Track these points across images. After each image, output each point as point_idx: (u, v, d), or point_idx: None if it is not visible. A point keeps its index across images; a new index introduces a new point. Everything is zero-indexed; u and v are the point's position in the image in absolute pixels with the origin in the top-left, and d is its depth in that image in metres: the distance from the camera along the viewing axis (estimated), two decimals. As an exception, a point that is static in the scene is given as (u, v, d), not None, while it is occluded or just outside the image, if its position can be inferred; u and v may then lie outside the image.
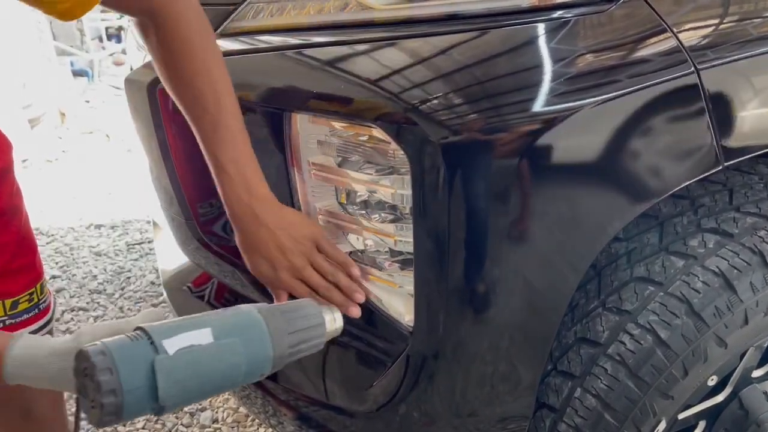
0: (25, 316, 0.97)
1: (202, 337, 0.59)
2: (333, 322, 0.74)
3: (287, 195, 0.89)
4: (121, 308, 2.24)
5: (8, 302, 0.94)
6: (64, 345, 0.63)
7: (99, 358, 0.54)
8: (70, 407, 1.45)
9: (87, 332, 0.66)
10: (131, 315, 2.16)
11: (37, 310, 0.99)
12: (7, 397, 1.03)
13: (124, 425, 1.72)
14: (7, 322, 0.95)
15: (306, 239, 0.81)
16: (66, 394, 1.22)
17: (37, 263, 1.01)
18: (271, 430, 1.61)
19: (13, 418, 1.05)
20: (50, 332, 1.04)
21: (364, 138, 0.80)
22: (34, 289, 0.98)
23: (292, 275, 0.81)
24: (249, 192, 0.77)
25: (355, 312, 0.83)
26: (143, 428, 1.71)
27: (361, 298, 0.83)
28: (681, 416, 0.97)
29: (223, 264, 1.04)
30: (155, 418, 1.74)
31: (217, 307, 1.11)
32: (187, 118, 0.80)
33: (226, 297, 1.13)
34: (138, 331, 0.58)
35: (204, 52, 0.77)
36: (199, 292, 1.18)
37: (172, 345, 0.57)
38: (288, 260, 0.79)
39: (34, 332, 0.98)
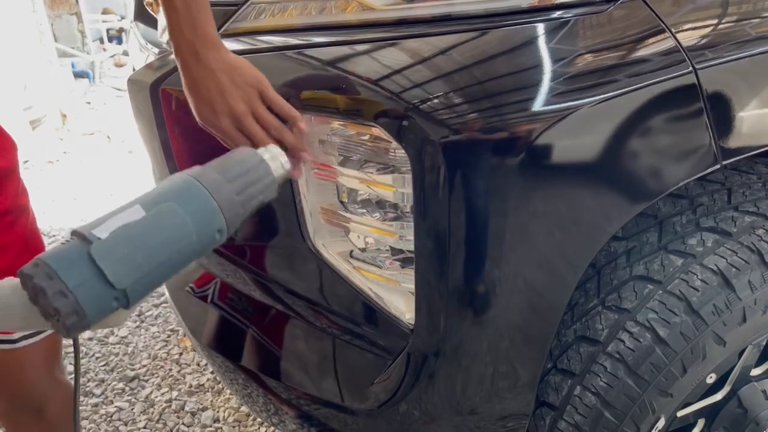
0: None
1: (133, 214, 0.57)
2: (275, 158, 0.70)
3: (289, 194, 0.89)
4: (122, 309, 2.24)
5: None
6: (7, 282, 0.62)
7: (34, 270, 0.52)
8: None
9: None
10: (131, 316, 2.17)
11: None
12: (19, 396, 1.03)
13: (126, 425, 1.72)
14: None
15: (248, 85, 0.78)
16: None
17: None
18: (272, 428, 1.61)
19: (26, 417, 1.06)
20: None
21: (366, 137, 0.81)
22: None
23: (233, 123, 0.78)
24: (194, 29, 0.76)
25: (298, 175, 0.80)
26: (144, 427, 1.71)
27: (309, 158, 0.80)
28: (680, 414, 0.97)
29: (226, 263, 1.05)
30: (156, 418, 1.74)
31: (219, 307, 1.12)
32: None
33: (230, 297, 1.13)
34: (70, 236, 0.56)
35: None
36: (202, 293, 1.18)
37: (103, 231, 0.55)
38: (228, 104, 0.77)
39: (42, 330, 0.99)
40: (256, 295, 1.04)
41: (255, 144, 0.77)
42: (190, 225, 0.59)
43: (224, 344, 1.09)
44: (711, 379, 0.95)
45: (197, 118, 0.80)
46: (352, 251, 0.89)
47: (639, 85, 0.77)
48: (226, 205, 0.62)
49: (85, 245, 0.54)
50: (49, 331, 1.00)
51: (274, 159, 0.70)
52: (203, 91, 0.77)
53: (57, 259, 0.53)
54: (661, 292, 0.90)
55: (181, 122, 0.97)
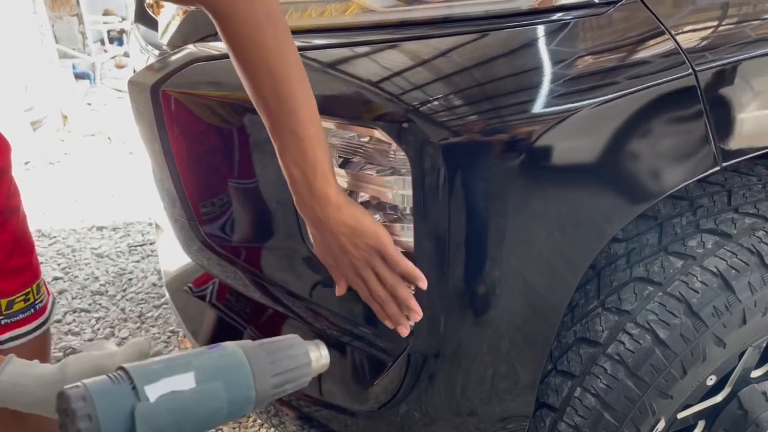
0: (21, 316, 0.98)
1: (185, 382, 0.60)
2: (319, 359, 0.72)
3: (288, 195, 0.89)
4: (122, 309, 2.24)
5: (4, 302, 0.95)
6: (50, 376, 0.65)
7: (80, 404, 0.55)
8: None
9: (72, 362, 0.68)
10: (132, 317, 2.17)
11: (33, 310, 1.00)
12: None
13: (126, 426, 1.72)
14: (3, 322, 0.96)
15: (369, 247, 0.79)
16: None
17: (34, 263, 1.02)
18: (272, 430, 1.61)
19: (6, 417, 1.05)
20: (47, 332, 1.05)
21: (365, 139, 0.81)
22: (30, 289, 0.99)
23: (354, 274, 0.81)
24: (311, 192, 0.76)
25: (404, 332, 0.82)
26: (145, 429, 1.71)
27: (416, 317, 0.81)
28: (680, 416, 0.97)
29: (226, 264, 1.05)
30: (157, 419, 1.74)
31: (219, 309, 1.12)
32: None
33: (228, 298, 1.13)
34: (121, 372, 0.58)
35: (261, 48, 0.72)
36: (200, 292, 1.19)
37: (153, 391, 0.57)
38: (349, 261, 0.80)
39: (30, 332, 1.00)
40: (256, 296, 1.04)
41: (368, 291, 0.81)
42: (224, 409, 0.62)
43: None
44: (711, 380, 0.95)
45: (320, 259, 0.83)
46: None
47: (639, 87, 0.77)
48: (261, 397, 0.64)
49: (133, 398, 0.57)
50: (38, 332, 1.01)
51: (319, 357, 0.72)
52: (325, 246, 0.80)
53: (103, 404, 0.56)
54: (661, 293, 0.90)
55: (182, 124, 0.97)
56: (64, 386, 0.57)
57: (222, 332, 1.12)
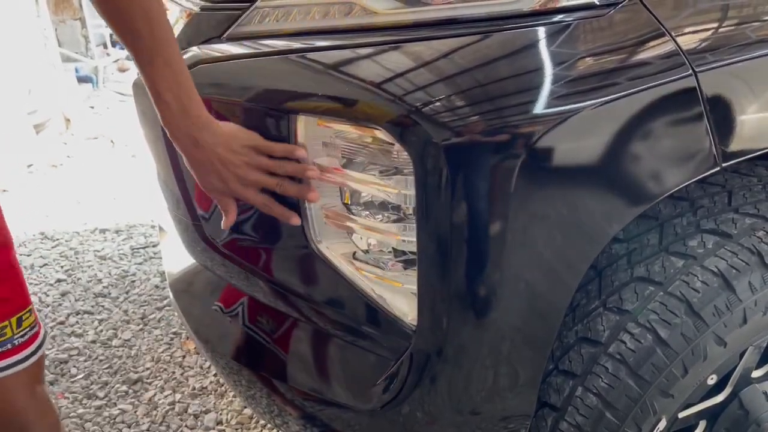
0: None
1: None
2: None
3: (291, 196, 0.90)
4: (125, 311, 2.25)
5: None
6: None
7: None
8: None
9: None
10: (135, 319, 2.18)
11: (10, 345, 0.93)
12: (4, 421, 0.98)
13: (129, 427, 1.73)
14: None
15: (244, 147, 0.85)
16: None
17: (15, 296, 0.94)
18: (275, 430, 1.62)
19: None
20: (35, 367, 0.97)
21: (369, 139, 0.82)
22: (7, 323, 0.92)
23: (242, 183, 0.86)
24: (186, 116, 0.82)
25: (314, 197, 0.86)
26: (148, 430, 1.72)
27: (314, 175, 0.85)
28: (681, 415, 0.98)
29: (230, 265, 1.06)
30: (159, 421, 1.75)
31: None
32: (122, 44, 0.82)
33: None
34: None
35: None
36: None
37: None
38: (232, 172, 0.85)
39: (3, 369, 0.93)
40: (260, 296, 1.04)
41: (266, 187, 0.86)
42: None
43: (227, 346, 1.10)
44: (712, 380, 0.95)
45: (205, 190, 0.89)
46: (355, 253, 0.90)
47: (639, 88, 0.78)
48: None
49: None
50: (16, 369, 0.95)
51: None
52: (207, 166, 0.86)
53: None
54: (661, 293, 0.90)
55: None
56: None
57: (225, 333, 1.12)
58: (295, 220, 0.88)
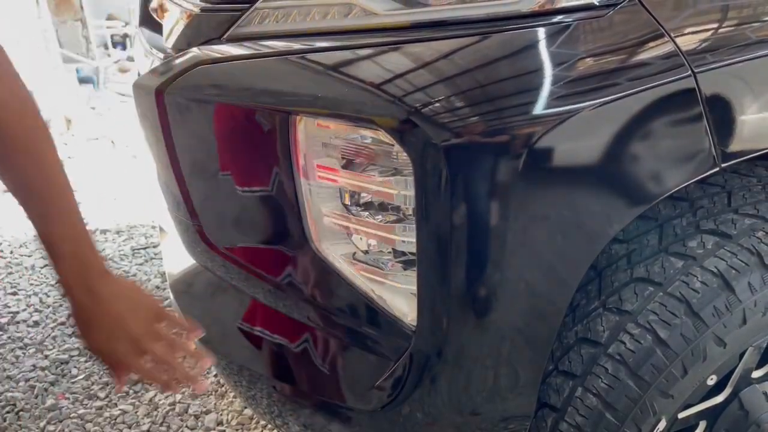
0: None
1: None
2: None
3: (292, 197, 0.90)
4: (126, 312, 2.25)
5: None
6: None
7: None
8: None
9: None
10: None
11: None
12: None
13: (130, 427, 1.73)
14: None
15: (143, 309, 0.79)
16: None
17: None
18: (276, 430, 1.62)
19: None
20: None
21: (368, 140, 0.82)
22: None
23: (131, 347, 0.79)
24: (84, 267, 0.76)
25: (201, 388, 0.84)
26: (148, 430, 1.72)
27: (206, 365, 0.83)
28: (681, 415, 0.98)
29: (230, 265, 1.06)
30: (160, 421, 1.75)
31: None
32: (13, 197, 0.75)
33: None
34: None
35: (26, 133, 0.71)
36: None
37: None
38: (126, 330, 0.78)
39: None
40: (260, 296, 1.05)
41: (156, 360, 0.80)
42: None
43: (227, 346, 1.10)
44: (712, 380, 0.95)
45: (90, 349, 0.81)
46: (354, 253, 0.90)
47: (639, 89, 0.78)
48: None
49: None
50: None
51: None
52: (100, 320, 0.78)
53: None
54: (661, 294, 0.91)
55: (186, 126, 0.98)
56: None
57: (225, 333, 1.12)
58: (201, 388, 0.86)
